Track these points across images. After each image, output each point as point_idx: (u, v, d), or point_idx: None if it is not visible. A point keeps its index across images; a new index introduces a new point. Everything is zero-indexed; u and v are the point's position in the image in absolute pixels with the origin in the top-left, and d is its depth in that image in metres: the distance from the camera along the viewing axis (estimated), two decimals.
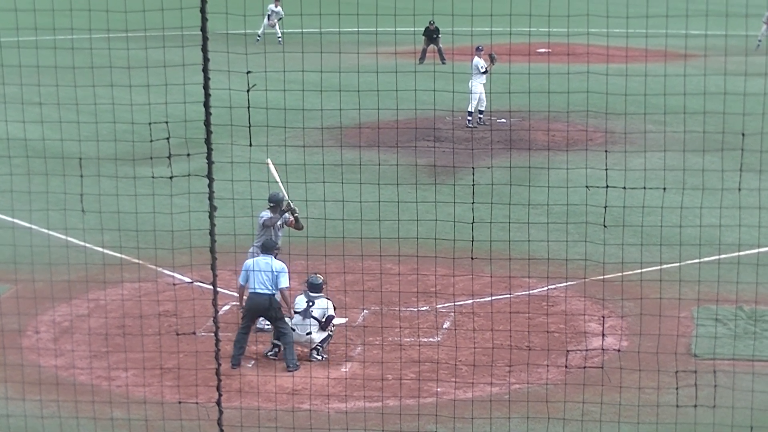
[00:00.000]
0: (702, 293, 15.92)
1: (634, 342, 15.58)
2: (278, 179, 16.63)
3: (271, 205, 16.75)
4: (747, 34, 40.24)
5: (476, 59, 31.05)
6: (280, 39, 47.89)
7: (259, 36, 47.43)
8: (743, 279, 16.22)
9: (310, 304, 15.86)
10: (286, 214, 16.72)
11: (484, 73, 30.95)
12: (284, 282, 15.49)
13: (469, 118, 31.13)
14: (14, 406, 14.05)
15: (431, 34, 43.77)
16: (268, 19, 48.92)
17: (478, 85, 30.99)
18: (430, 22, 42.83)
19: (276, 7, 48.86)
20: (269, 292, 15.44)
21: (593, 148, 25.93)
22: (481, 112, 31.37)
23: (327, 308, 15.90)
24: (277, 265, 15.54)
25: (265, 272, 15.39)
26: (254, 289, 15.51)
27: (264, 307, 15.48)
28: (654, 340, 14.61)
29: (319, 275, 16.06)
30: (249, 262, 15.77)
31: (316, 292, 15.93)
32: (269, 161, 16.64)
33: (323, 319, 15.83)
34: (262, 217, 16.72)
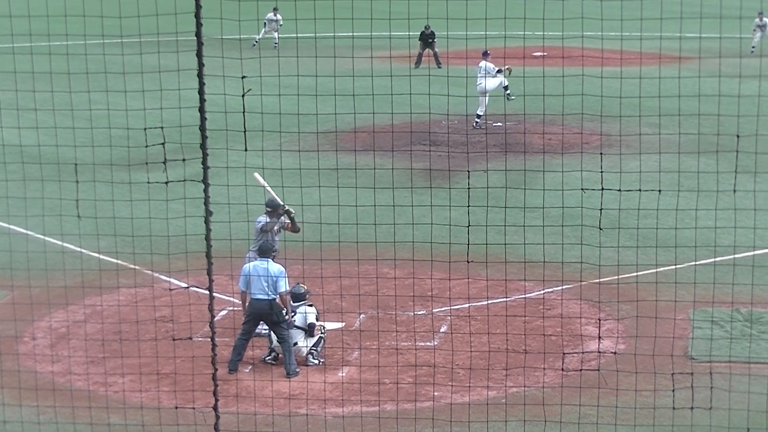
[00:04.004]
0: (698, 295, 15.93)
1: (631, 345, 15.59)
2: (268, 187, 16.60)
3: (269, 209, 16.75)
4: (741, 36, 40.35)
5: (485, 63, 31.12)
6: (276, 44, 47.94)
7: (255, 41, 47.44)
8: (739, 281, 16.23)
9: (292, 314, 15.86)
10: (283, 218, 16.72)
11: (499, 71, 31.12)
12: (283, 286, 15.49)
13: (477, 120, 31.22)
14: (11, 412, 14.03)
15: (427, 39, 43.88)
16: (266, 25, 48.90)
17: (490, 86, 31.21)
18: (426, 27, 42.98)
19: (275, 15, 48.83)
20: (269, 297, 15.44)
21: (589, 150, 25.96)
22: (479, 115, 31.45)
23: (306, 314, 15.90)
24: (275, 269, 15.53)
25: (264, 277, 15.38)
26: (254, 294, 15.51)
27: (265, 312, 15.48)
28: (650, 342, 14.62)
29: (302, 285, 16.09)
30: (247, 266, 15.77)
31: (298, 302, 15.95)
32: (256, 174, 16.60)
33: (305, 326, 15.84)
34: (260, 222, 16.71)
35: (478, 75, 31.27)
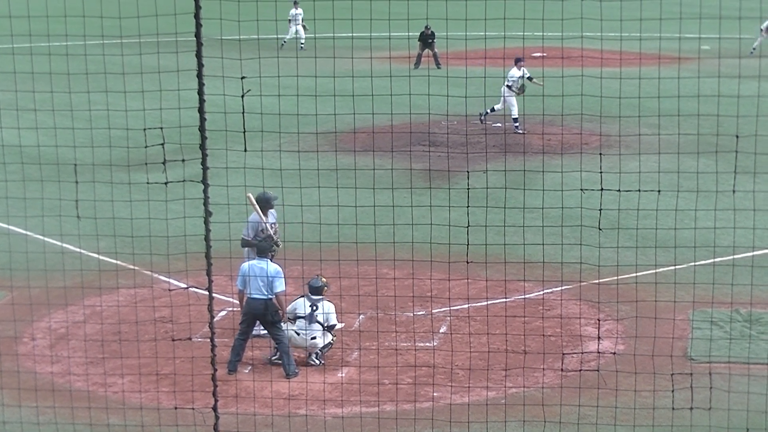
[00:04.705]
0: (697, 296, 15.94)
1: (630, 345, 15.59)
2: (259, 212, 16.64)
3: (260, 205, 16.78)
4: (740, 37, 40.36)
5: (515, 69, 31.03)
6: (284, 43, 47.96)
7: (301, 43, 47.60)
8: (738, 281, 16.23)
9: (314, 308, 15.83)
10: (273, 215, 16.76)
11: (520, 88, 31.08)
12: (279, 286, 15.49)
13: (516, 124, 31.12)
14: (10, 413, 14.03)
15: (427, 39, 43.63)
16: (293, 23, 48.76)
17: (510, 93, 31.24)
18: (426, 27, 42.62)
19: (296, 9, 48.77)
20: (264, 297, 15.45)
21: (588, 151, 25.96)
22: (493, 109, 31.46)
23: (330, 312, 15.89)
24: (272, 268, 15.54)
25: (260, 277, 15.39)
26: (250, 293, 15.52)
27: (260, 312, 15.48)
28: (650, 343, 14.62)
29: (322, 277, 16.04)
30: (245, 266, 15.78)
31: (318, 295, 15.91)
32: (249, 195, 16.65)
33: (326, 324, 15.83)
34: (247, 227, 16.71)
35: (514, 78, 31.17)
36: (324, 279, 16.01)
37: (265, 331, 15.94)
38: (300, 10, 48.74)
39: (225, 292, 17.39)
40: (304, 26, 48.83)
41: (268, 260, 15.66)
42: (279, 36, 48.53)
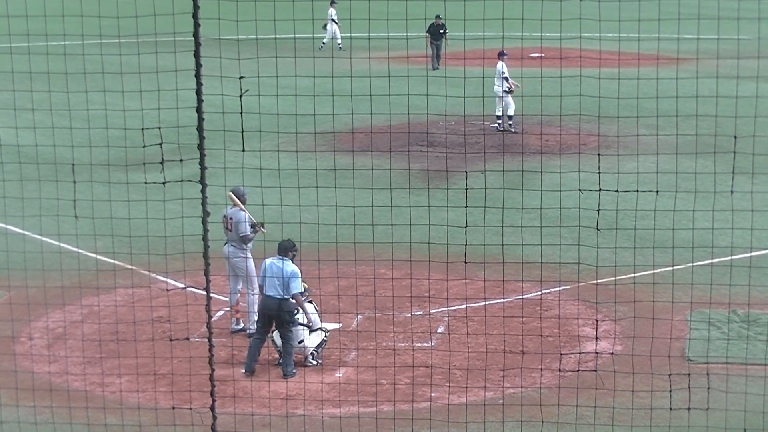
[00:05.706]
0: (695, 297, 15.95)
1: (628, 345, 15.59)
2: (243, 207, 16.72)
3: (238, 198, 16.85)
4: (738, 38, 40.42)
5: (501, 64, 30.93)
6: (323, 45, 47.40)
7: (339, 43, 47.00)
8: (736, 282, 16.23)
9: (295, 312, 15.83)
10: (253, 227, 16.86)
11: (506, 79, 30.93)
12: (296, 287, 15.43)
13: (499, 122, 31.07)
14: (8, 413, 14.02)
15: (438, 30, 41.07)
16: (334, 24, 48.31)
17: (500, 90, 31.07)
18: (437, 16, 39.30)
19: (332, 8, 48.11)
20: (278, 297, 15.41)
21: (586, 151, 25.97)
22: (510, 117, 31.30)
23: (311, 313, 15.89)
24: (289, 269, 15.48)
25: (277, 276, 15.37)
26: (266, 291, 15.52)
27: (274, 310, 15.45)
28: (647, 343, 14.62)
29: (303, 282, 16.06)
30: (265, 263, 15.74)
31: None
32: (230, 193, 16.74)
33: (311, 325, 15.82)
34: (245, 225, 16.75)
35: (495, 77, 31.07)
36: (305, 284, 16.03)
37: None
38: (333, 9, 48.19)
39: (222, 292, 17.39)
40: (324, 26, 48.17)
41: (288, 260, 15.59)
42: (277, 37, 48.51)
